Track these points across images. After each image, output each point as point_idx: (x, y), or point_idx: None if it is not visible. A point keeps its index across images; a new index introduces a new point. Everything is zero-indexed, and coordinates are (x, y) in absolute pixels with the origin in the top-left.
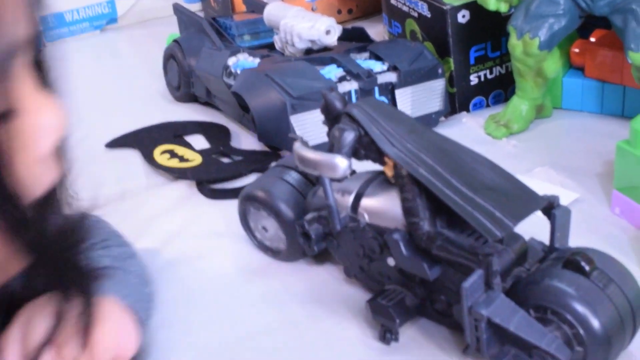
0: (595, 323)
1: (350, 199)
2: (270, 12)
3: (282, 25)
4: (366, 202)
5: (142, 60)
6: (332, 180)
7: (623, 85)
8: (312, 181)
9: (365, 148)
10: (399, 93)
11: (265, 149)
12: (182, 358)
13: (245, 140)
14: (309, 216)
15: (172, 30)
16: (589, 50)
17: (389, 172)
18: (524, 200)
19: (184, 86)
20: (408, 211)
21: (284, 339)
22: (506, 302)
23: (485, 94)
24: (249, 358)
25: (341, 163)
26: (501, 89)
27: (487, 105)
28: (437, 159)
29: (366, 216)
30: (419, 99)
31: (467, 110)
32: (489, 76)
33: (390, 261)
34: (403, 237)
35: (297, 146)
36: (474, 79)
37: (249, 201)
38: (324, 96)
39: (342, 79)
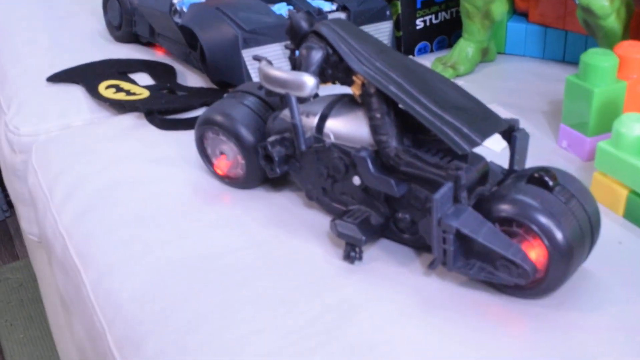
0: (559, 235)
1: (315, 120)
2: None
3: None
4: (332, 122)
5: (79, 3)
6: (299, 99)
7: (565, 31)
8: (272, 106)
9: (332, 67)
10: None
11: (213, 86)
12: (144, 276)
13: (191, 78)
14: (271, 138)
15: None
16: None
17: (357, 91)
18: (488, 120)
19: (125, 25)
20: (376, 129)
21: (248, 258)
22: (474, 214)
23: (429, 39)
24: (214, 276)
25: (309, 81)
26: (445, 35)
27: (432, 51)
28: (406, 78)
29: (332, 136)
30: None
31: (412, 54)
32: (434, 21)
33: (356, 180)
34: (370, 155)
35: (263, 64)
36: (419, 24)
37: (207, 125)
38: (291, 16)
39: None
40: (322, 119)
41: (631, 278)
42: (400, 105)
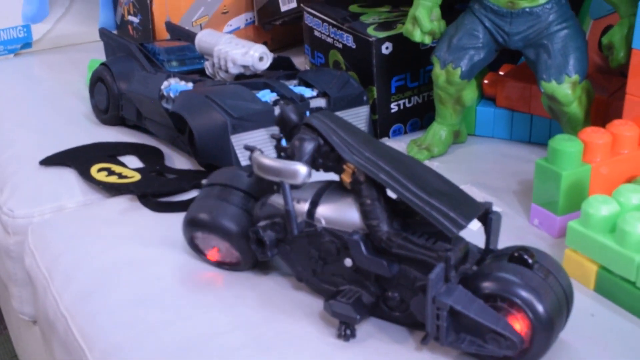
0: (540, 307)
1: (306, 206)
2: (202, 40)
3: (216, 51)
4: (323, 208)
5: (61, 84)
6: (292, 186)
7: (530, 114)
8: (254, 196)
9: (323, 157)
10: None
11: (200, 168)
12: (147, 357)
13: (178, 161)
14: (262, 223)
15: (87, 56)
16: (499, 82)
17: (347, 179)
18: (468, 204)
19: (112, 109)
20: (367, 214)
21: (241, 339)
22: (464, 292)
23: (403, 121)
24: (214, 355)
25: (302, 169)
26: (418, 117)
27: (405, 132)
28: (393, 166)
29: (323, 221)
30: None
31: (388, 136)
32: (407, 105)
33: (348, 262)
34: (362, 238)
35: (257, 154)
36: (394, 107)
37: (194, 227)
38: (281, 109)
39: (276, 102)
40: (313, 205)
41: (605, 346)
42: (389, 192)
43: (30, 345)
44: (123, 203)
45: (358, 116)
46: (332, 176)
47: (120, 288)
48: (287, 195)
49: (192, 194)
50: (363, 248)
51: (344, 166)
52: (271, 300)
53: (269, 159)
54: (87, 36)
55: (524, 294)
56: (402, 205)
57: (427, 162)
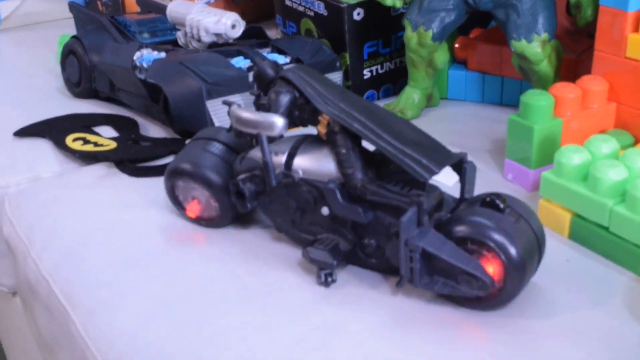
0: (512, 249)
1: (283, 157)
2: (173, 10)
3: (188, 20)
4: (300, 160)
5: (31, 60)
6: (269, 138)
7: (501, 76)
8: (235, 150)
9: (299, 109)
10: None
11: (175, 136)
12: (132, 312)
13: (153, 130)
14: (241, 176)
15: (56, 32)
16: (470, 45)
17: (322, 130)
18: (441, 153)
19: (84, 81)
20: (342, 163)
21: (225, 291)
22: (436, 235)
23: (376, 87)
24: (198, 308)
25: (279, 121)
26: (390, 83)
27: (378, 98)
28: (367, 116)
29: (300, 172)
30: None
31: None
32: (380, 71)
33: (324, 210)
34: (337, 186)
35: (235, 108)
36: (366, 73)
37: (177, 175)
38: (257, 63)
39: (250, 69)
40: (290, 157)
41: (579, 289)
42: (364, 141)
43: (10, 319)
44: (100, 170)
45: None
46: (310, 132)
47: (101, 249)
48: (264, 147)
49: (169, 159)
50: (339, 196)
51: (320, 117)
52: (253, 253)
53: (246, 111)
54: (56, 13)
55: (496, 236)
56: (377, 156)
57: None
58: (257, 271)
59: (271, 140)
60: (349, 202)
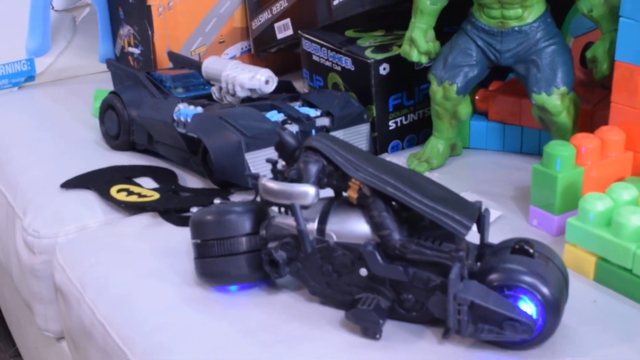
0: (548, 291)
1: (314, 224)
2: (209, 66)
3: (223, 76)
4: (332, 224)
5: (67, 114)
6: (302, 207)
7: (521, 126)
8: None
9: (328, 176)
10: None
11: (213, 187)
12: (191, 353)
13: (190, 181)
14: (272, 244)
15: (89, 87)
16: (491, 97)
17: (354, 194)
18: (466, 206)
19: (123, 134)
20: (378, 226)
21: (273, 336)
22: (479, 286)
23: (401, 137)
24: (254, 349)
25: (311, 191)
26: (414, 133)
27: (403, 148)
28: (395, 178)
29: (334, 236)
30: (349, 141)
31: (387, 152)
32: (404, 122)
33: (363, 272)
34: (377, 249)
35: (265, 180)
36: (392, 125)
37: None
38: (279, 134)
39: (284, 122)
40: (322, 222)
41: (606, 328)
42: (394, 203)
43: None
44: (144, 220)
45: (359, 134)
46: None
47: (153, 295)
48: (298, 217)
49: None
50: (378, 257)
51: (350, 183)
52: (291, 310)
53: (277, 183)
54: (89, 68)
55: (532, 280)
56: (404, 214)
57: (427, 174)
58: (297, 322)
59: (302, 207)
60: (389, 262)
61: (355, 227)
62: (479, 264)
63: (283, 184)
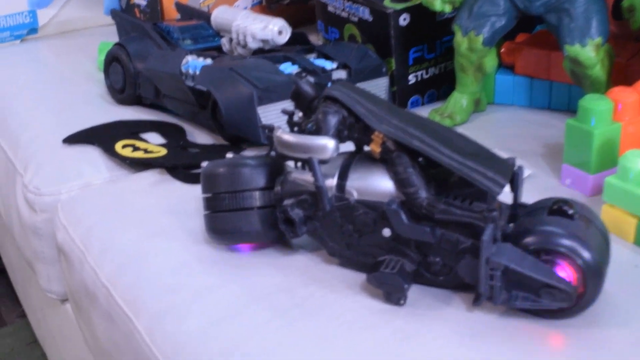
0: (589, 255)
1: (334, 180)
2: (219, 16)
3: (234, 27)
4: (353, 180)
5: (71, 68)
6: (320, 162)
7: (550, 81)
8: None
9: (348, 129)
10: None
11: (223, 142)
12: (200, 318)
13: (199, 136)
14: (288, 202)
15: (94, 40)
16: (517, 50)
17: (376, 148)
18: (500, 163)
19: (129, 88)
20: (403, 182)
21: (291, 301)
22: (514, 250)
23: (421, 92)
24: (268, 315)
25: (330, 144)
26: (435, 88)
27: (422, 104)
28: (422, 131)
29: (355, 193)
30: None
31: (406, 107)
32: (424, 76)
33: (386, 232)
34: (402, 207)
35: (280, 132)
36: (412, 79)
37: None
38: (296, 83)
39: (298, 75)
40: (342, 178)
41: None
42: (420, 159)
43: (56, 326)
44: (150, 177)
45: (377, 87)
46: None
47: (160, 255)
48: (317, 172)
49: None
50: (403, 217)
51: (372, 136)
52: (310, 278)
53: (293, 135)
54: (93, 21)
55: (572, 244)
56: (431, 170)
57: None
58: (316, 287)
59: (321, 162)
60: (414, 222)
61: (378, 183)
62: (511, 225)
63: (300, 137)
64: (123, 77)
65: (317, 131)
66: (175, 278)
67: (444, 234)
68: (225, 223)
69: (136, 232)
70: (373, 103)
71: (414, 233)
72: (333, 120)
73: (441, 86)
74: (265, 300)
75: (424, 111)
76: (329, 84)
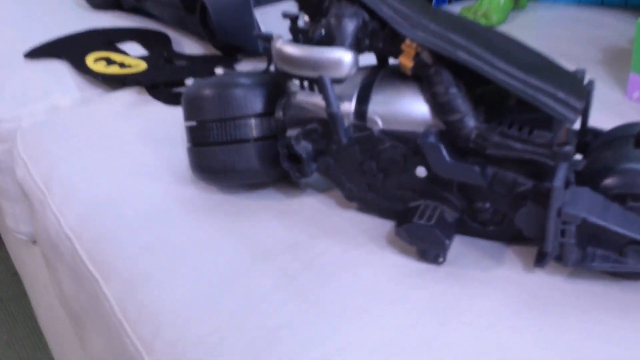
0: None
1: (351, 104)
2: None
3: None
4: (377, 105)
5: None
6: (334, 81)
7: None
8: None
9: (370, 36)
10: None
11: (215, 52)
12: (184, 287)
13: (188, 46)
14: (292, 132)
15: None
16: None
17: (408, 63)
18: (568, 77)
19: None
20: (443, 107)
21: (300, 261)
22: (594, 197)
23: None
24: (270, 283)
25: (346, 57)
26: None
27: (450, 2)
28: (467, 38)
29: (379, 122)
30: None
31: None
32: None
33: (421, 171)
34: (441, 140)
35: (281, 43)
36: None
37: (213, 182)
38: None
39: None
40: (361, 102)
41: None
42: (479, 72)
43: (32, 264)
44: (128, 96)
45: None
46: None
47: (133, 202)
48: (329, 94)
49: None
50: (444, 152)
51: (403, 46)
52: (319, 221)
53: (297, 47)
54: None
55: None
56: (478, 90)
57: None
58: (329, 240)
59: (334, 82)
60: (458, 159)
61: (409, 108)
62: (580, 158)
63: (307, 48)
64: None
65: (329, 41)
66: (154, 231)
67: (497, 174)
68: (214, 159)
69: (108, 169)
70: (402, 1)
71: (458, 173)
72: (350, 26)
73: None
74: (266, 262)
75: (453, 9)
76: None
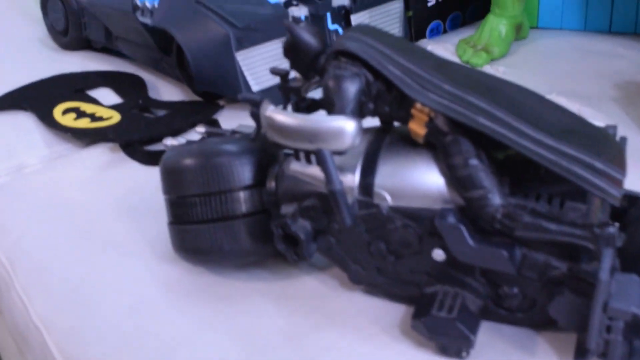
0: None
1: (355, 176)
2: None
3: None
4: (385, 177)
5: (4, 4)
6: (335, 153)
7: None
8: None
9: (375, 99)
10: (355, 19)
11: (195, 98)
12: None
13: (165, 91)
14: (287, 209)
15: None
16: None
17: (420, 130)
18: (602, 138)
19: (73, 29)
20: (463, 182)
21: (289, 355)
22: None
23: (442, 17)
24: None
25: (349, 126)
26: (459, 10)
27: (445, 31)
28: (487, 99)
29: (388, 197)
30: (376, 25)
31: (424, 37)
32: None
33: (438, 254)
34: (462, 219)
35: (272, 110)
36: (431, 0)
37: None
38: (290, 30)
39: (288, 4)
40: (366, 174)
41: None
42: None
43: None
44: (100, 155)
45: (390, 14)
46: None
47: (111, 286)
48: (330, 170)
49: (192, 135)
50: (467, 235)
51: (412, 111)
52: (321, 307)
53: (291, 116)
54: None
55: None
56: (499, 154)
57: (487, 68)
58: (334, 331)
59: (339, 154)
60: (482, 241)
61: (422, 181)
62: (617, 229)
63: (302, 117)
64: (64, 14)
65: (327, 105)
66: (135, 322)
67: (527, 256)
68: (198, 239)
69: (80, 245)
70: (410, 57)
71: (482, 259)
72: (352, 90)
73: (467, 6)
74: (262, 357)
75: (449, 41)
76: (328, 16)
